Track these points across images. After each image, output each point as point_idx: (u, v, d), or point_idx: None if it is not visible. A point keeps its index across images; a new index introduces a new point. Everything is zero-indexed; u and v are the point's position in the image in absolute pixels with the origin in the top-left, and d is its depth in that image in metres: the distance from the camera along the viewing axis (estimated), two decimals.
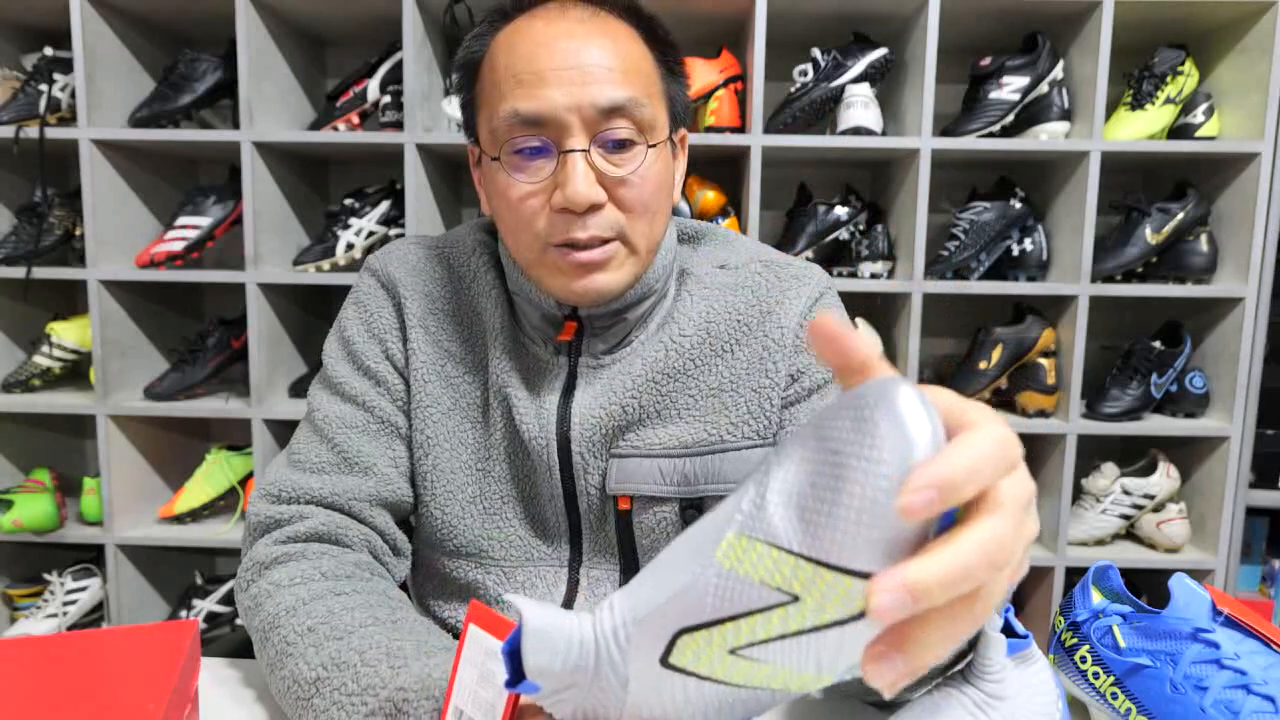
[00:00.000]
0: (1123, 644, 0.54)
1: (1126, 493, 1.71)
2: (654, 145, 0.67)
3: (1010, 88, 1.64)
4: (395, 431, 0.75)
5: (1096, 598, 0.58)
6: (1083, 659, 0.56)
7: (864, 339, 0.34)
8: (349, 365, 0.76)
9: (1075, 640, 0.57)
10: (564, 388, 0.73)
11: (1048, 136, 1.65)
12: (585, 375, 0.73)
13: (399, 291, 0.76)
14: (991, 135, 1.64)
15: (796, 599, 0.31)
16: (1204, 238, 1.68)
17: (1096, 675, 0.56)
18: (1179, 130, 1.68)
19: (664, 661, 0.34)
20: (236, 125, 1.64)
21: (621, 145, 0.66)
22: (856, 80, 1.65)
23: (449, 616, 0.78)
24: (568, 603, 0.74)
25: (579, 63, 0.64)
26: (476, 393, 0.75)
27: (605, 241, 0.67)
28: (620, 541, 0.74)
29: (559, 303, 0.71)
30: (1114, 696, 0.55)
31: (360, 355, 0.75)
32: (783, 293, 0.74)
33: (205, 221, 1.70)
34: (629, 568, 0.74)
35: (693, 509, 0.72)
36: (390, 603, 0.62)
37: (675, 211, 1.13)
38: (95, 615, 1.82)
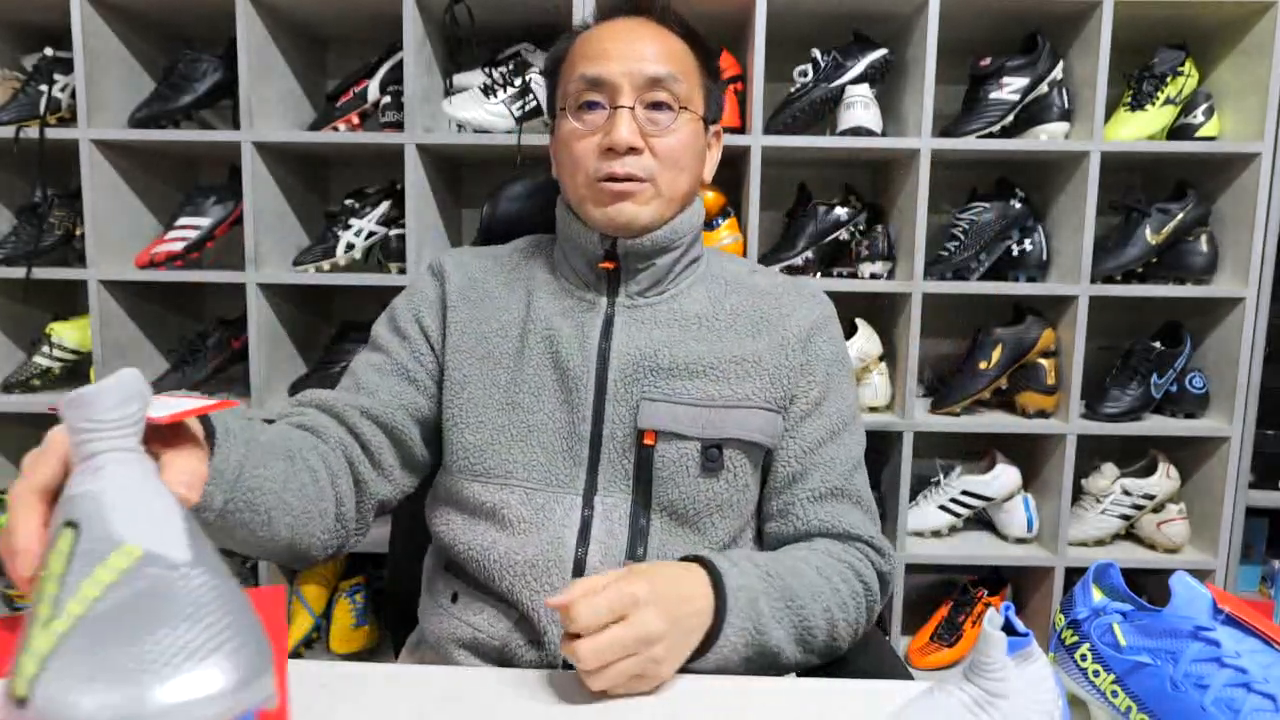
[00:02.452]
0: (1123, 642, 0.54)
1: (1126, 493, 1.71)
2: (686, 110, 0.86)
3: (1010, 88, 1.64)
4: (406, 376, 0.89)
5: (1097, 596, 0.58)
6: (1083, 657, 0.56)
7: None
8: (386, 326, 0.93)
9: (1076, 638, 0.57)
10: (604, 324, 0.87)
11: (1048, 137, 1.65)
12: (622, 314, 0.87)
13: (444, 272, 0.93)
14: (991, 135, 1.64)
15: None
16: (1204, 238, 1.68)
17: (1097, 673, 0.56)
18: (1179, 130, 1.69)
19: None
20: (236, 125, 1.64)
21: (659, 106, 0.84)
22: (856, 80, 1.65)
23: (473, 541, 0.85)
24: (584, 527, 0.82)
25: (634, 47, 0.84)
26: (509, 345, 0.88)
27: (639, 180, 0.83)
28: (637, 473, 0.83)
29: (601, 237, 0.86)
30: (1114, 694, 0.55)
31: (397, 318, 0.92)
32: (799, 304, 0.91)
33: (205, 221, 1.70)
34: (641, 499, 0.83)
35: (715, 448, 0.83)
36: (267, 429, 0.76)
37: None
38: None
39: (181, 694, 0.34)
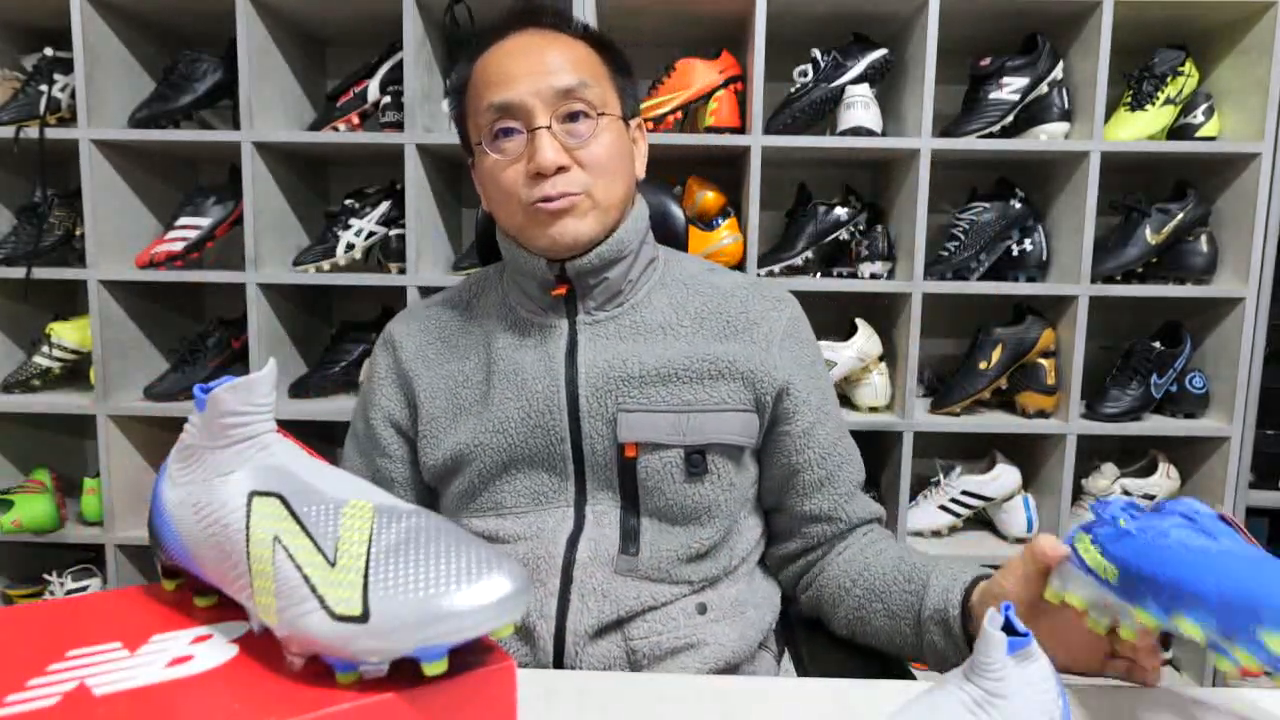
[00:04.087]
0: (1123, 523, 0.59)
1: (1127, 493, 1.71)
2: (604, 115, 0.82)
3: (1010, 88, 1.64)
4: (393, 482, 0.92)
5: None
6: (1086, 549, 0.61)
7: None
8: (361, 421, 0.94)
9: (1087, 543, 0.61)
10: (568, 344, 0.85)
11: (1047, 137, 1.65)
12: (585, 332, 0.86)
13: (394, 342, 0.93)
14: (991, 135, 1.64)
15: None
16: (1204, 238, 1.68)
17: (1092, 554, 0.60)
18: (1179, 130, 1.69)
19: None
20: (236, 125, 1.64)
21: (576, 117, 0.81)
22: (856, 81, 1.65)
23: None
24: (575, 534, 0.83)
25: (539, 61, 0.81)
26: (476, 393, 0.87)
27: (573, 195, 0.80)
28: (622, 483, 0.83)
29: (549, 263, 0.84)
30: (1102, 568, 0.59)
31: (368, 413, 0.93)
32: (766, 310, 0.89)
33: (205, 222, 1.70)
34: (629, 503, 0.84)
35: (697, 454, 0.83)
36: None
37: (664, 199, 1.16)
38: None
39: (484, 596, 0.43)
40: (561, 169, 0.79)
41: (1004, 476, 1.74)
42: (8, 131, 1.63)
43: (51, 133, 1.63)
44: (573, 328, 0.86)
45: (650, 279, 0.89)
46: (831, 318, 1.75)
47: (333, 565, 0.45)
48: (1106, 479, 1.72)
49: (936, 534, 1.76)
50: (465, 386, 0.88)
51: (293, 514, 0.47)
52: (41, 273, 1.68)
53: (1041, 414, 1.71)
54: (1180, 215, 1.67)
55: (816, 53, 1.66)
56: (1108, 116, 1.68)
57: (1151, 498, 1.70)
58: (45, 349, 1.77)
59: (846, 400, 1.77)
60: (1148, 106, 1.66)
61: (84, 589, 1.79)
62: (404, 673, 0.45)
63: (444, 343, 0.91)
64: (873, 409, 1.73)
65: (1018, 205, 1.70)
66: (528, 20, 0.85)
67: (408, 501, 0.90)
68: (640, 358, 0.83)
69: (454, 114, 0.90)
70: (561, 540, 0.82)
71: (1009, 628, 0.51)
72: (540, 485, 0.84)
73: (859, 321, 1.73)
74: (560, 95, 0.80)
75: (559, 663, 0.80)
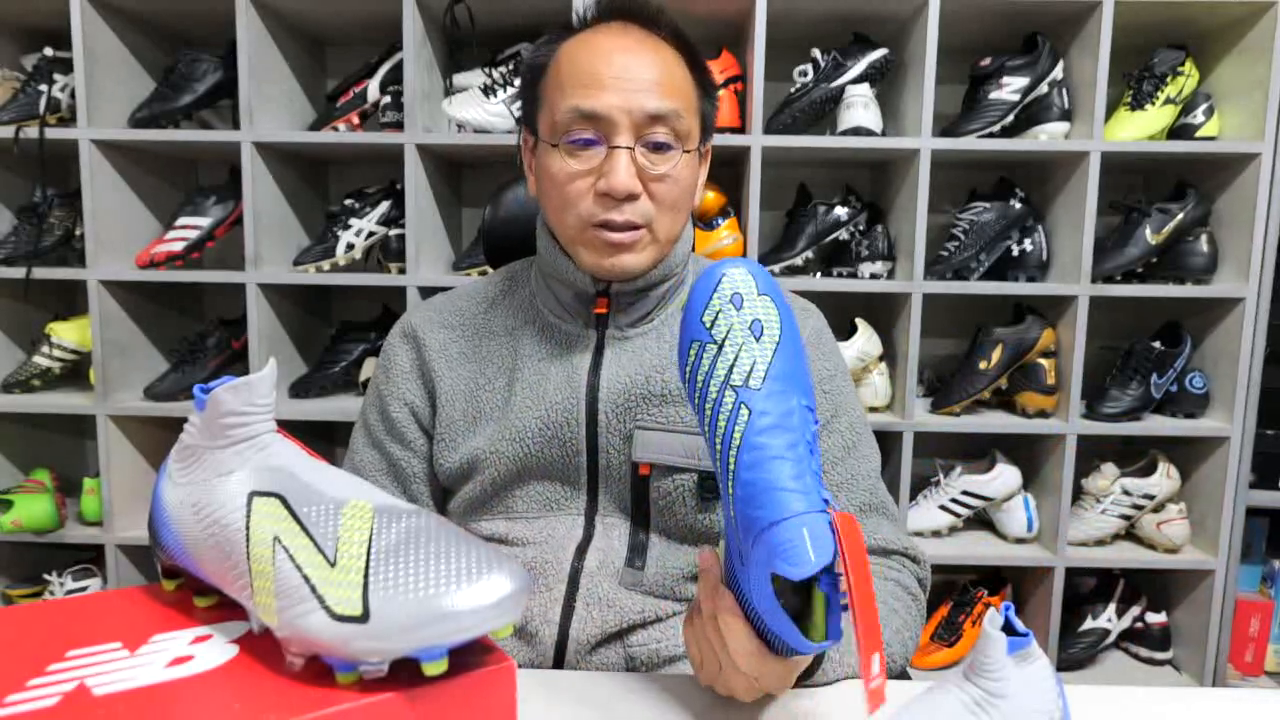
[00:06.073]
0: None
1: (1126, 493, 1.71)
2: (687, 151, 0.80)
3: (1010, 88, 1.64)
4: (411, 475, 0.89)
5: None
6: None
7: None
8: (376, 413, 0.91)
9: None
10: (593, 356, 0.84)
11: (1048, 137, 1.65)
12: (612, 345, 0.85)
13: (417, 336, 0.89)
14: (991, 135, 1.64)
15: None
16: (1204, 238, 1.68)
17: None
18: (1179, 130, 1.69)
19: None
20: (236, 125, 1.64)
21: (660, 148, 0.78)
22: (856, 81, 1.65)
23: None
24: (583, 545, 0.82)
25: (632, 74, 0.76)
26: (497, 399, 0.85)
27: (636, 227, 0.78)
28: (635, 500, 0.82)
29: (593, 279, 0.83)
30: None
31: (388, 409, 0.89)
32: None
33: (205, 222, 1.70)
34: (639, 519, 0.82)
35: (711, 478, 0.80)
36: None
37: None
38: None
39: (484, 596, 0.43)
40: (631, 196, 0.77)
41: (1004, 476, 1.74)
42: (8, 131, 1.63)
43: (51, 133, 1.63)
44: (600, 340, 0.85)
45: (679, 295, 0.88)
46: (831, 318, 1.75)
47: (333, 565, 0.45)
48: (1106, 479, 1.72)
49: (936, 534, 1.76)
50: (486, 391, 0.86)
51: (293, 514, 0.47)
52: (41, 273, 1.68)
53: (1041, 414, 1.71)
54: (1180, 215, 1.67)
55: (816, 53, 1.66)
56: (1108, 116, 1.68)
57: (1151, 497, 1.70)
58: (45, 349, 1.77)
59: None
60: (1148, 106, 1.66)
61: (84, 589, 1.79)
62: (404, 673, 0.45)
63: (468, 342, 0.88)
64: (873, 409, 1.73)
65: (1018, 205, 1.70)
66: (624, 12, 0.81)
67: (425, 496, 0.88)
68: (662, 375, 0.82)
69: (524, 88, 0.85)
70: (570, 548, 0.81)
71: (1009, 628, 0.51)
72: (553, 493, 0.83)
73: (859, 321, 1.73)
74: (649, 119, 0.76)
75: (558, 668, 0.79)
